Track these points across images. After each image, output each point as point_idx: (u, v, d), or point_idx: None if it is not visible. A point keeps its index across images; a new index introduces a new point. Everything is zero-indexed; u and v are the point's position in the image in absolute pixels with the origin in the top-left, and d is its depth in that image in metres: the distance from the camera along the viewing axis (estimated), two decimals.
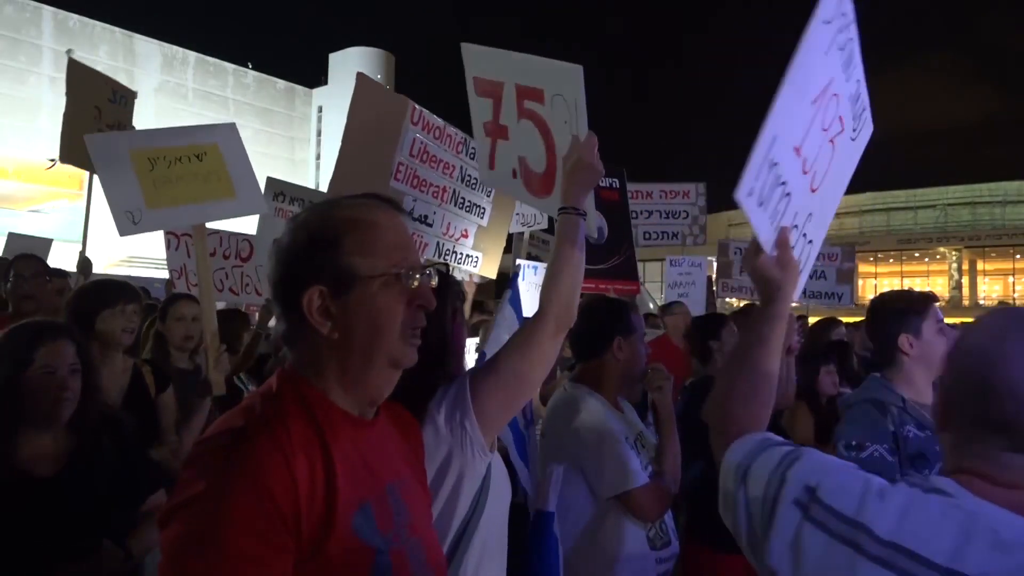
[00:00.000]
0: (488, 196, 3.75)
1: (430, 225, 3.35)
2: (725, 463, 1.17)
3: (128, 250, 22.57)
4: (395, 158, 3.00)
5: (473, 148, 3.52)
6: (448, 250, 3.54)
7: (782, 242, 1.24)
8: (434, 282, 1.09)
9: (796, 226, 1.31)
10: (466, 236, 3.64)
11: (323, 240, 1.02)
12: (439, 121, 3.26)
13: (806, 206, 1.33)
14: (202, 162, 2.94)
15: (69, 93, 3.80)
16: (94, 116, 3.86)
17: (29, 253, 3.91)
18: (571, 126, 1.66)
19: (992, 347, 0.95)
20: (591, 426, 2.08)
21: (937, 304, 2.19)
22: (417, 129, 3.11)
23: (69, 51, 4.14)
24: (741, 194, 1.14)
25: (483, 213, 3.75)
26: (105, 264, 17.05)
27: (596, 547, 2.02)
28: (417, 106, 3.13)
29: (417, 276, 1.05)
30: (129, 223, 2.72)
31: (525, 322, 1.63)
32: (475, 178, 3.58)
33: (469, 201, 3.61)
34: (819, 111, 1.30)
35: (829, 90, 1.32)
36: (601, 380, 2.22)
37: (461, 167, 3.48)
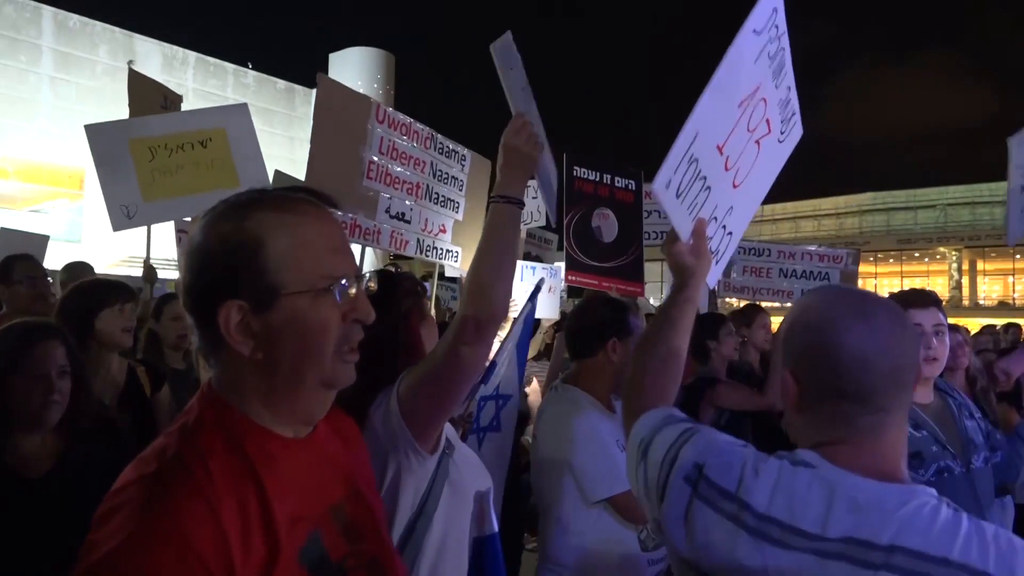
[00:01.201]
0: (460, 190, 3.71)
1: (408, 222, 3.34)
2: (631, 436, 1.24)
3: (128, 250, 22.48)
4: (366, 157, 2.98)
5: (441, 143, 3.53)
6: (429, 246, 3.53)
7: (698, 232, 1.31)
8: (372, 285, 0.97)
9: (716, 218, 1.36)
10: (444, 231, 3.62)
11: (240, 246, 0.86)
12: (405, 118, 3.24)
13: (727, 200, 1.38)
14: (206, 148, 2.81)
15: (131, 104, 3.72)
16: None
17: (25, 253, 3.87)
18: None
19: (826, 323, 1.03)
20: (579, 428, 2.05)
21: (926, 307, 2.07)
22: (383, 127, 3.08)
23: (130, 62, 4.10)
24: (658, 185, 1.18)
25: (457, 207, 3.71)
26: (106, 264, 17.02)
27: (585, 547, 2.01)
28: (381, 104, 3.11)
29: (353, 286, 0.91)
30: (124, 217, 2.67)
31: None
32: (445, 172, 3.57)
33: (442, 196, 3.58)
34: (744, 113, 1.34)
35: (757, 95, 1.36)
36: (593, 381, 2.18)
37: (431, 162, 3.45)
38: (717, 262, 1.42)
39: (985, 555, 0.88)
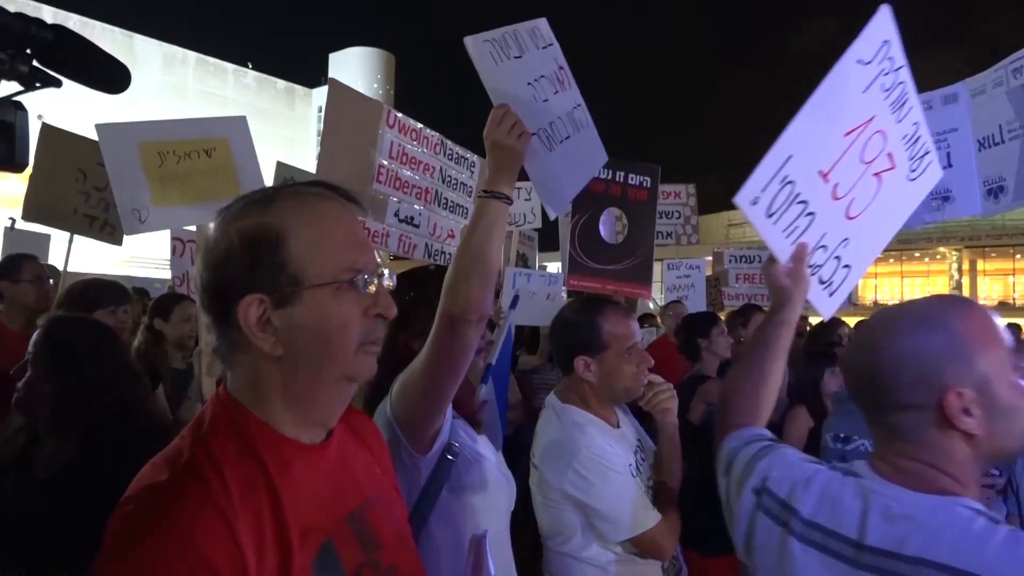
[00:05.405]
0: (469, 196, 3.74)
1: (416, 226, 3.38)
2: (720, 452, 1.29)
3: (129, 250, 22.47)
4: (376, 161, 3.03)
5: (451, 149, 3.57)
6: (437, 251, 3.57)
7: (798, 256, 1.31)
8: (391, 284, 0.98)
9: (825, 247, 1.37)
10: (453, 236, 3.66)
11: (263, 239, 0.84)
12: (415, 124, 3.30)
13: (840, 230, 1.38)
14: (211, 158, 2.87)
15: (41, 154, 3.56)
16: (76, 178, 3.66)
17: (30, 253, 3.85)
18: None
19: (868, 351, 1.06)
20: (590, 461, 1.74)
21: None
22: (393, 132, 3.14)
23: (40, 116, 3.53)
24: (742, 200, 1.21)
25: (467, 213, 3.73)
26: (108, 264, 17.03)
27: None
28: (392, 110, 3.16)
29: (374, 280, 0.90)
30: (136, 221, 2.68)
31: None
32: (455, 178, 3.62)
33: (452, 201, 3.63)
34: (855, 144, 1.36)
35: (871, 126, 1.37)
36: (581, 397, 1.92)
37: (441, 168, 3.50)
38: (832, 294, 1.41)
39: (1019, 568, 0.85)
